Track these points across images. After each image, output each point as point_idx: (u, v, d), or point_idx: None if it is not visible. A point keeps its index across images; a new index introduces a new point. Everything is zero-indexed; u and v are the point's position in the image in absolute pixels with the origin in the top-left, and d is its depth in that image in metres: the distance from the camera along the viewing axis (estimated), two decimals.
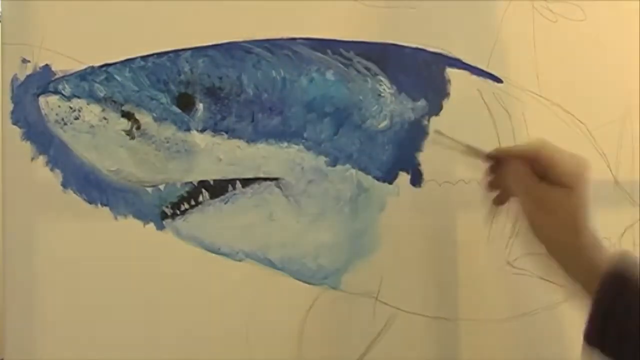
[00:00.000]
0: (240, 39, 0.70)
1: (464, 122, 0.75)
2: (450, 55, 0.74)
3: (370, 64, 0.72)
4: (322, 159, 0.71)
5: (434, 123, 0.74)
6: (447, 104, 0.74)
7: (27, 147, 0.67)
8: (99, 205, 0.68)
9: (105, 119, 0.67)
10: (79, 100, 0.67)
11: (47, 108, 0.67)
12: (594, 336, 0.57)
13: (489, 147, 0.74)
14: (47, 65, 0.67)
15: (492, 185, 0.68)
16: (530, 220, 0.62)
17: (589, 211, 0.60)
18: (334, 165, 0.71)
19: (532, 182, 0.62)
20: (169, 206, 0.69)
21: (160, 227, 0.69)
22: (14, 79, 0.67)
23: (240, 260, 0.71)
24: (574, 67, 0.78)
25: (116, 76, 0.67)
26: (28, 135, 0.67)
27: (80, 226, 0.68)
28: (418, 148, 0.74)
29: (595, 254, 0.59)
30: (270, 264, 0.71)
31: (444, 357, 0.75)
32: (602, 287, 0.56)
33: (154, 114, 0.68)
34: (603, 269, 0.57)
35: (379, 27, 0.73)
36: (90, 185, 0.68)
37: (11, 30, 0.67)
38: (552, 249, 0.61)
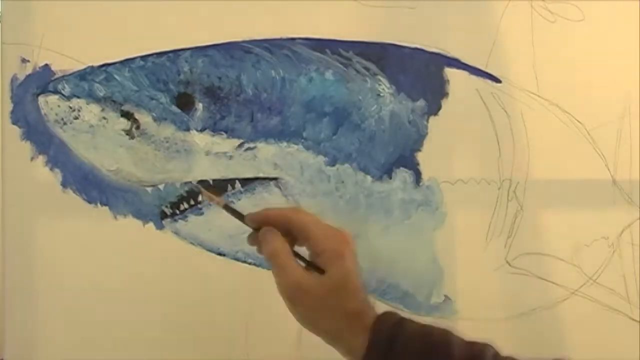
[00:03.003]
0: (240, 39, 0.70)
1: (462, 122, 0.75)
2: (449, 55, 0.74)
3: (369, 64, 0.72)
4: (322, 159, 0.71)
5: (433, 122, 0.74)
6: (445, 104, 0.74)
7: (27, 146, 0.67)
8: (99, 204, 0.68)
9: (104, 118, 0.67)
10: (78, 100, 0.67)
11: (46, 108, 0.67)
12: None
13: (488, 147, 0.75)
14: (46, 65, 0.67)
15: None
16: (289, 304, 0.56)
17: (352, 291, 0.55)
18: (333, 165, 0.71)
19: (284, 261, 0.56)
20: (169, 206, 0.69)
21: (160, 227, 0.69)
22: (14, 78, 0.67)
23: (240, 260, 0.71)
24: (572, 67, 0.78)
25: (116, 76, 0.67)
26: (28, 135, 0.67)
27: (79, 226, 0.68)
28: (417, 148, 0.74)
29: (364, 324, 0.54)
30: None
31: None
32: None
33: (154, 114, 0.68)
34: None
35: (378, 27, 0.73)
36: (89, 184, 0.68)
37: (11, 30, 0.67)
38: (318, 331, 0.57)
